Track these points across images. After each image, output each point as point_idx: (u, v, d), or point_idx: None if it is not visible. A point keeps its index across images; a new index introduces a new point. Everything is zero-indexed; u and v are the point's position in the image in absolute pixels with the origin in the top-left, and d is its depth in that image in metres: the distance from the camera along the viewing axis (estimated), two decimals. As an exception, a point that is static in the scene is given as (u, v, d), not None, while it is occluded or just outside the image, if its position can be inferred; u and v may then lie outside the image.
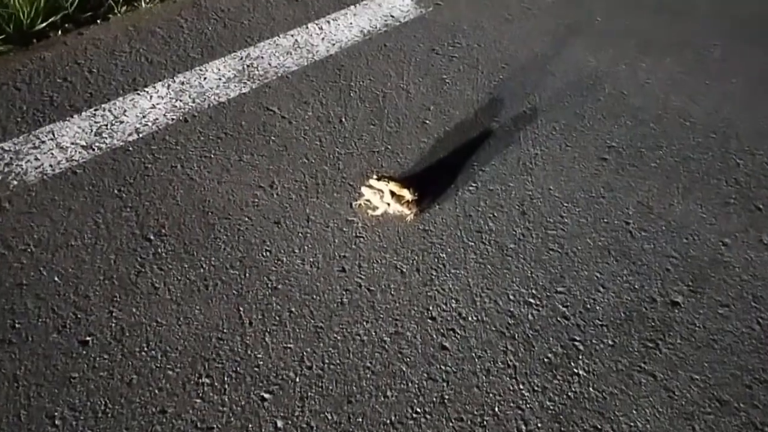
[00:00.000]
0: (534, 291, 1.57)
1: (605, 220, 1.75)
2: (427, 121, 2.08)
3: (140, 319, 1.50)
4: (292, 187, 1.84)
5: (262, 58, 2.34)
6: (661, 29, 2.56)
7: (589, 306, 1.54)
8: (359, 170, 1.90)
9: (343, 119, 2.08)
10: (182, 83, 2.22)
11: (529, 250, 1.66)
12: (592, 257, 1.65)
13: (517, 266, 1.62)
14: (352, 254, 1.65)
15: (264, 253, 1.65)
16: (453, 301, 1.54)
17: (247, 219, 1.74)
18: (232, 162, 1.92)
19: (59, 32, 2.47)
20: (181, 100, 2.14)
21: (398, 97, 2.18)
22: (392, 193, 1.72)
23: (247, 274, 1.60)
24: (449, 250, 1.66)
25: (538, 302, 1.54)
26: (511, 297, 1.55)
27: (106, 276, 1.59)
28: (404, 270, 1.61)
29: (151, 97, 2.16)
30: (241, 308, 1.52)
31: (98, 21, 2.56)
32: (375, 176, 1.74)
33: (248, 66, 2.30)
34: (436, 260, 1.63)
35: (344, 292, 1.56)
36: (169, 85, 2.21)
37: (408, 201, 1.73)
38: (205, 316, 1.50)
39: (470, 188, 1.84)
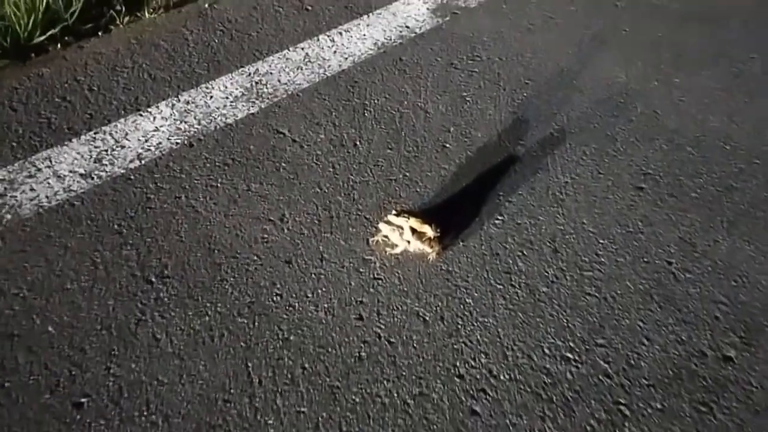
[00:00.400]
0: (571, 344, 1.40)
1: (645, 260, 1.57)
2: (448, 145, 1.91)
3: (140, 376, 1.34)
4: (304, 220, 1.67)
5: (271, 73, 2.17)
6: (692, 40, 2.37)
7: (633, 362, 1.37)
8: (375, 201, 1.73)
9: (358, 143, 1.91)
10: (187, 102, 2.05)
11: (564, 295, 1.49)
12: (633, 303, 1.48)
13: (551, 314, 1.45)
14: (370, 299, 1.49)
15: (274, 298, 1.49)
16: (482, 355, 1.37)
17: (256, 257, 1.58)
18: (239, 192, 1.75)
19: (58, 46, 2.31)
20: (185, 122, 1.98)
21: (416, 118, 2.00)
22: (413, 230, 1.55)
23: (256, 323, 1.43)
24: (476, 294, 1.49)
25: (576, 357, 1.37)
26: (547, 351, 1.38)
27: (104, 325, 1.43)
28: (427, 318, 1.45)
29: (154, 118, 1.99)
30: (249, 363, 1.36)
31: (99, 33, 2.39)
32: (394, 211, 1.57)
33: (257, 83, 2.13)
34: (461, 306, 1.47)
35: (362, 345, 1.39)
36: (173, 105, 2.04)
37: (430, 238, 1.56)
38: (211, 373, 1.34)
39: (496, 222, 1.67)
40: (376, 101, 2.06)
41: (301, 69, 2.19)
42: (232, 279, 1.53)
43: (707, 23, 2.46)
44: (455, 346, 1.39)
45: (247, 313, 1.45)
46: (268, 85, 2.12)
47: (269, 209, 1.70)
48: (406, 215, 1.56)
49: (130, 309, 1.46)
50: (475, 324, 1.43)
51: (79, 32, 2.39)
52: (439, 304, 1.47)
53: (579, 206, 1.70)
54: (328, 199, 1.73)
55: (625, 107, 2.04)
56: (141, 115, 2.00)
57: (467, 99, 2.07)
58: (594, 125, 1.97)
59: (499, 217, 1.68)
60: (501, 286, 1.51)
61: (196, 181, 1.78)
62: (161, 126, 1.96)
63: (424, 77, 2.17)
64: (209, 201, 1.72)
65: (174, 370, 1.35)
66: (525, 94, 2.09)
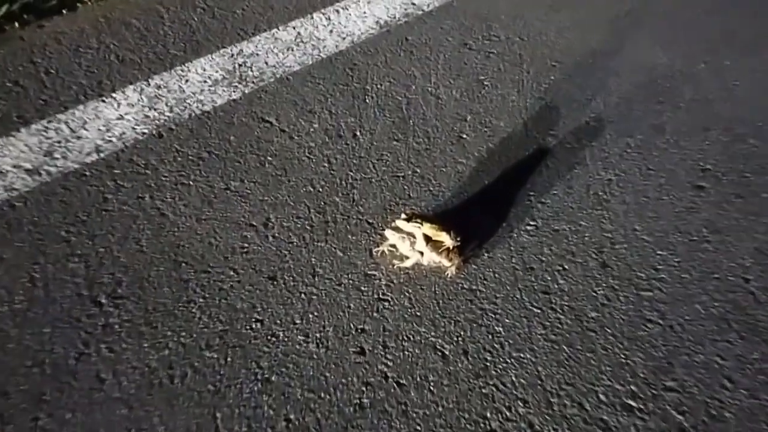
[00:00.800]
0: (633, 387, 1.07)
1: (715, 275, 1.25)
2: (464, 136, 1.58)
3: (75, 431, 1.01)
4: (293, 226, 1.35)
5: (258, 54, 1.84)
6: (740, 19, 2.04)
7: (714, 411, 1.04)
8: (380, 203, 1.40)
9: (358, 133, 1.59)
10: (158, 87, 1.73)
11: (619, 322, 1.17)
12: (707, 333, 1.16)
13: (605, 347, 1.13)
14: (374, 327, 1.16)
15: (253, 325, 1.16)
16: (519, 403, 1.05)
17: (232, 273, 1.25)
18: (216, 191, 1.43)
19: (16, 24, 1.98)
20: (155, 109, 1.65)
21: (426, 105, 1.68)
22: (427, 239, 1.23)
23: (229, 359, 1.11)
24: (507, 320, 1.17)
25: (641, 406, 1.05)
26: (602, 397, 1.06)
27: (36, 360, 1.10)
28: (446, 352, 1.12)
29: (119, 104, 1.67)
30: (218, 414, 1.03)
31: (63, 11, 2.06)
32: (403, 215, 1.25)
33: (240, 65, 1.80)
34: (490, 337, 1.14)
35: (364, 388, 1.07)
36: (142, 90, 1.72)
37: (448, 249, 1.24)
38: (167, 426, 1.02)
39: (528, 228, 1.34)
40: (378, 86, 1.74)
41: (292, 50, 1.87)
42: (201, 300, 1.20)
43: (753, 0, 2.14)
44: (484, 390, 1.07)
45: (218, 345, 1.13)
46: (254, 68, 1.79)
47: (251, 212, 1.38)
48: (418, 220, 1.24)
49: (70, 339, 1.13)
50: (509, 360, 1.11)
51: (41, 10, 2.06)
52: (462, 333, 1.15)
53: (628, 209, 1.38)
54: (323, 200, 1.41)
55: (671, 93, 1.72)
56: (104, 101, 1.67)
57: (485, 83, 1.75)
58: (637, 113, 1.65)
59: (532, 223, 1.35)
60: (539, 310, 1.18)
61: (163, 178, 1.45)
62: (126, 113, 1.64)
63: (434, 59, 1.84)
64: (178, 202, 1.40)
65: (120, 421, 1.02)
66: (552, 78, 1.76)
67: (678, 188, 1.43)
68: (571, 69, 1.80)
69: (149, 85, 1.73)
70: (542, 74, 1.78)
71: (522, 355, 1.11)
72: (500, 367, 1.09)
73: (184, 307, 1.19)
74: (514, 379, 1.08)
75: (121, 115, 1.63)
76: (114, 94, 1.70)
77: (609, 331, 1.15)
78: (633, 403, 1.05)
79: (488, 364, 1.10)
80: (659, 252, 1.29)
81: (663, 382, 1.08)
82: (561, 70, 1.79)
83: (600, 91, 1.72)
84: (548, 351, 1.12)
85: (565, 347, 1.12)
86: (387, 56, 1.84)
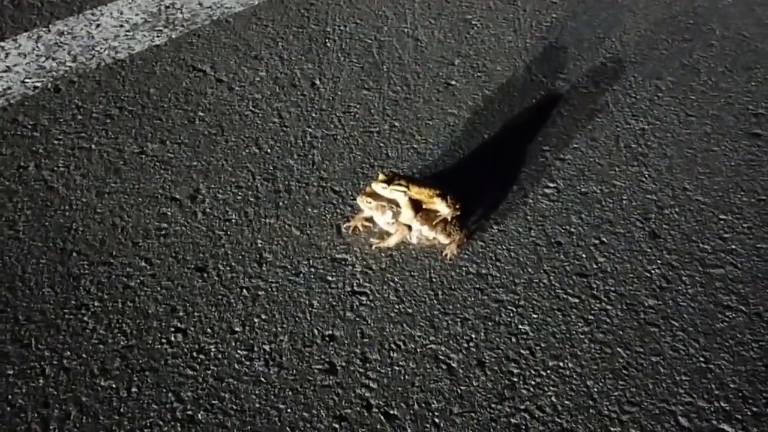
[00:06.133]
0: (725, 404, 0.74)
1: (798, 244, 0.94)
2: (453, 82, 1.23)
3: None
4: (231, 198, 0.98)
5: (191, -5, 1.46)
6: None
7: (842, 435, 0.72)
8: (348, 165, 1.04)
9: (318, 81, 1.22)
10: (61, 34, 1.33)
11: (687, 312, 0.84)
12: (806, 321, 0.84)
13: (674, 347, 0.79)
14: (347, 332, 0.80)
15: (172, 338, 0.79)
16: (566, 436, 0.71)
17: (144, 264, 0.88)
18: (126, 156, 1.04)
19: None
20: (54, 59, 1.26)
21: (402, 48, 1.32)
22: (415, 207, 0.89)
23: (135, 389, 0.74)
24: (535, 316, 0.83)
25: (741, 431, 0.72)
26: (683, 421, 0.72)
27: None
28: (453, 365, 0.77)
29: (6, 55, 1.26)
30: (112, 479, 0.67)
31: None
32: (382, 176, 0.89)
33: (167, 7, 1.41)
34: (512, 339, 0.80)
35: (337, 425, 0.71)
36: (39, 37, 1.31)
37: (444, 220, 0.89)
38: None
39: (547, 192, 1.00)
40: (342, 28, 1.37)
41: (234, -10, 1.49)
42: (96, 304, 0.82)
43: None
44: (513, 420, 0.72)
45: (119, 369, 0.76)
46: (184, 10, 1.41)
47: (173, 182, 1.00)
48: (402, 182, 0.88)
49: None
50: (544, 373, 0.76)
51: None
52: (473, 336, 0.80)
53: (672, 164, 1.05)
54: (272, 163, 1.04)
55: (698, 29, 1.40)
56: (-14, 52, 1.27)
57: (474, 23, 1.40)
58: (661, 51, 1.32)
59: (551, 185, 1.01)
60: (576, 299, 0.84)
61: (56, 142, 1.06)
62: (16, 65, 1.23)
63: (410, -2, 1.49)
64: (73, 172, 1.01)
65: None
66: (554, 16, 1.43)
67: (729, 137, 1.11)
68: (574, 6, 1.46)
69: (49, 32, 1.33)
70: (541, 12, 1.44)
71: (561, 365, 0.77)
72: (533, 383, 0.75)
73: (72, 315, 0.81)
74: (554, 400, 0.73)
75: (8, 66, 1.23)
76: (2, 43, 1.30)
77: (676, 324, 0.82)
78: (729, 429, 0.72)
79: (515, 379, 0.75)
80: (722, 216, 0.97)
81: (765, 396, 0.75)
82: (563, 8, 1.46)
83: (613, 28, 1.39)
84: (597, 357, 0.78)
85: (620, 350, 0.78)
86: (351, -4, 1.48)
